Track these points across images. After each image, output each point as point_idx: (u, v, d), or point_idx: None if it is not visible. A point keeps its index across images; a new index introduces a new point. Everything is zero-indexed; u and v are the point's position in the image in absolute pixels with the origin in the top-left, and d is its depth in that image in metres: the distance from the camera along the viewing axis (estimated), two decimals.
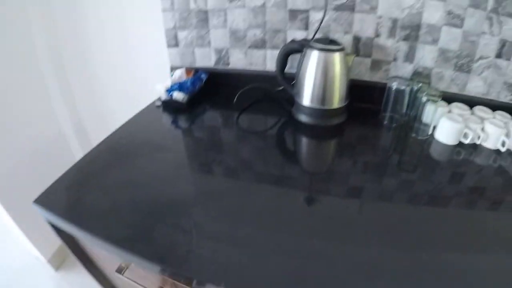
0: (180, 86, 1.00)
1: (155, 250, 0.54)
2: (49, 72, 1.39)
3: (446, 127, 0.90)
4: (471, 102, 1.02)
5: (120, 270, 0.61)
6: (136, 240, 0.56)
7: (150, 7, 1.10)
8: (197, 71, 1.11)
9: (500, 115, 0.98)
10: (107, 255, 0.68)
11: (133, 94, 1.25)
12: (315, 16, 0.99)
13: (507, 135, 0.90)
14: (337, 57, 0.86)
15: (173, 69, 1.15)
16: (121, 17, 1.20)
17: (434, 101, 0.89)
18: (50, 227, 0.69)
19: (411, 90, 0.93)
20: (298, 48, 0.90)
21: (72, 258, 0.79)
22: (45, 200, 0.66)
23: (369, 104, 1.01)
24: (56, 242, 1.48)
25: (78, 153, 1.60)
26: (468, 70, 1.01)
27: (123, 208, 0.64)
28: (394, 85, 0.94)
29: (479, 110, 1.00)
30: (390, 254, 0.55)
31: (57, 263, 1.60)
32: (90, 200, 0.67)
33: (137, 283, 0.65)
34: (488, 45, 0.96)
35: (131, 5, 1.15)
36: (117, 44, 1.26)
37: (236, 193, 0.70)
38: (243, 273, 0.51)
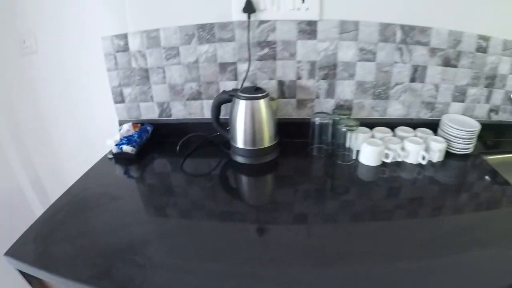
0: (128, 140, 1.14)
1: (117, 283, 0.66)
2: (4, 133, 1.51)
3: (367, 151, 1.08)
4: (394, 124, 1.21)
5: None
6: (99, 277, 0.68)
7: (96, 68, 1.24)
8: (143, 124, 1.26)
9: (421, 132, 1.18)
10: None
11: (86, 149, 1.37)
12: (242, 67, 1.16)
13: (426, 149, 1.09)
14: (262, 104, 1.03)
15: (121, 123, 1.28)
16: (70, 79, 1.33)
17: (353, 130, 1.07)
18: (21, 275, 0.79)
19: (333, 122, 1.12)
20: (228, 98, 1.06)
21: None
22: (15, 252, 0.76)
23: (299, 139, 1.18)
24: None
25: (36, 207, 1.67)
26: (386, 97, 1.21)
27: (86, 253, 0.76)
28: (317, 120, 1.11)
29: (400, 130, 1.19)
30: (337, 273, 0.68)
31: None
32: (56, 248, 0.78)
33: None
34: (401, 72, 1.17)
35: (79, 68, 1.30)
36: (69, 103, 1.39)
37: (184, 230, 0.83)
38: None
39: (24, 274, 0.79)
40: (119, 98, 1.28)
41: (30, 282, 0.82)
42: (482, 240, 0.77)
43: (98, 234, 0.83)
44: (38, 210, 1.69)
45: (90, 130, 1.41)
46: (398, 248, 0.74)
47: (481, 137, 1.18)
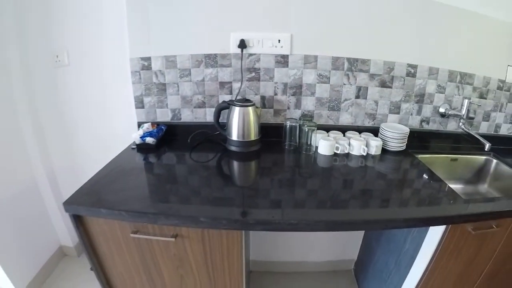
0: (150, 134, 1.61)
1: (160, 210, 1.06)
2: (28, 129, 1.87)
3: (323, 144, 1.61)
4: (345, 129, 1.74)
5: (135, 232, 1.13)
6: (146, 208, 1.07)
7: (123, 81, 1.69)
8: (158, 124, 1.72)
9: (365, 134, 1.71)
10: (118, 232, 1.15)
11: (109, 142, 1.77)
12: (236, 85, 1.69)
13: (366, 145, 1.61)
14: (250, 110, 1.56)
15: (139, 124, 1.72)
16: (100, 86, 1.76)
17: (313, 130, 1.60)
18: (73, 224, 1.11)
19: (300, 126, 1.67)
20: (226, 106, 1.58)
21: None
22: (74, 201, 1.09)
23: (275, 138, 1.71)
24: None
25: (50, 201, 2.04)
26: (338, 109, 1.75)
27: (131, 197, 1.12)
28: (288, 124, 1.65)
29: (349, 133, 1.72)
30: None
31: None
32: (107, 197, 1.11)
33: (149, 236, 1.14)
34: (349, 91, 1.70)
35: (106, 80, 1.74)
36: (95, 106, 1.81)
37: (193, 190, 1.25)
38: (213, 214, 1.08)
39: (76, 220, 1.12)
40: (140, 105, 1.74)
41: (79, 233, 1.17)
42: (397, 198, 1.27)
43: (138, 188, 1.22)
44: (52, 202, 2.07)
45: (113, 129, 1.86)
46: (346, 206, 1.22)
47: (418, 141, 1.71)
